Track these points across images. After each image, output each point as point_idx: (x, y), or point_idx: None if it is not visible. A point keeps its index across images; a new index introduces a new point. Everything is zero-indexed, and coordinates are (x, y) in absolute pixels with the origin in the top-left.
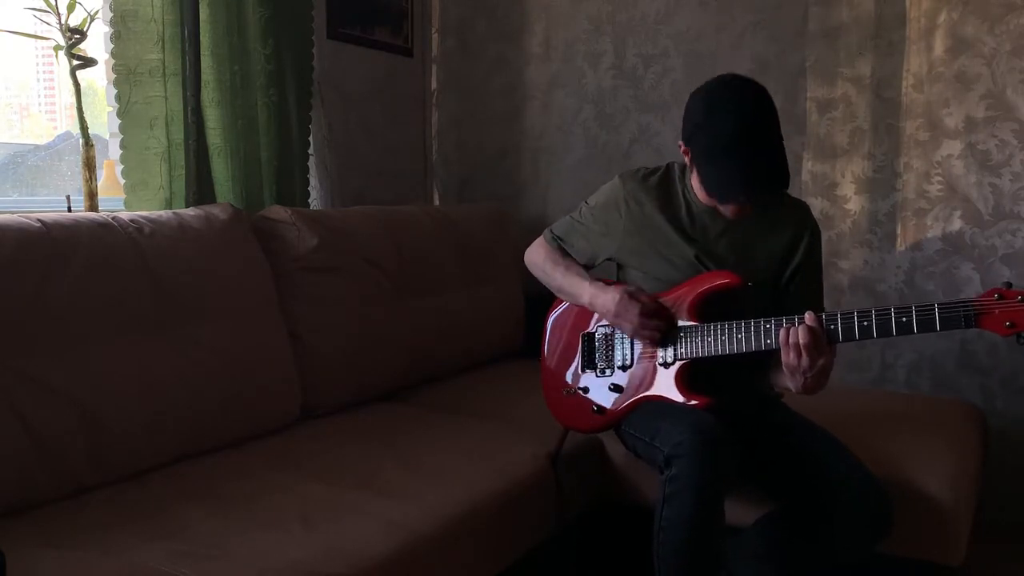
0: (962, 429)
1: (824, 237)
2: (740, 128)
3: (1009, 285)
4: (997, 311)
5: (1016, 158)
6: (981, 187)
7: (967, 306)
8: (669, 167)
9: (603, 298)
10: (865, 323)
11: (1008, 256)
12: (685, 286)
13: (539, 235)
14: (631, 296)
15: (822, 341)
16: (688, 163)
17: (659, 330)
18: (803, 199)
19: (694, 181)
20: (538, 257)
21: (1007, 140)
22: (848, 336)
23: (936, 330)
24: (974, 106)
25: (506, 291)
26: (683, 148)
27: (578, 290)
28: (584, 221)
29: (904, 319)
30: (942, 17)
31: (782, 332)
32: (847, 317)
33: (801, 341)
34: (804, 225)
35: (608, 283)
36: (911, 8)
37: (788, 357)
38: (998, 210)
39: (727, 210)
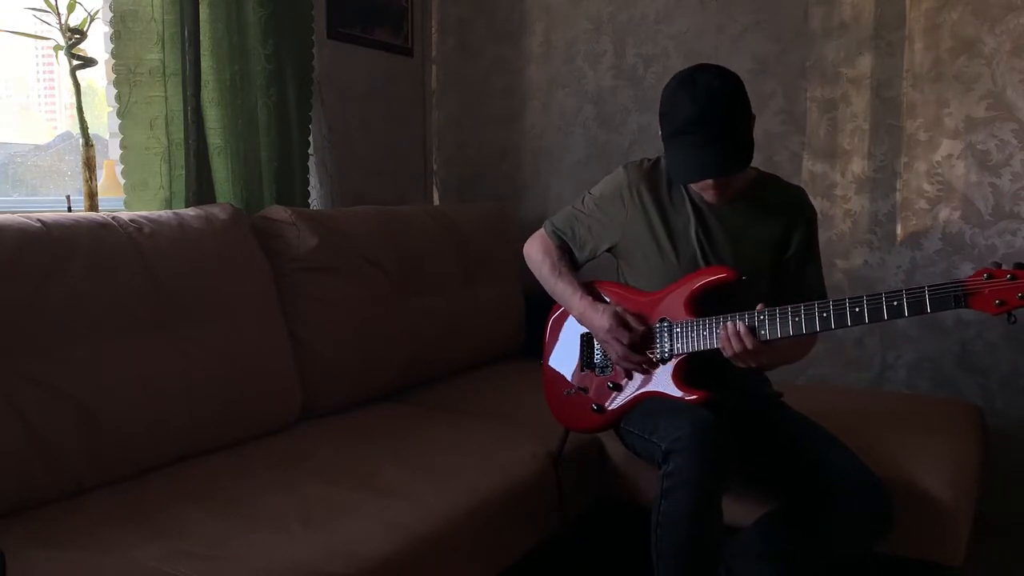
0: (962, 429)
1: (824, 237)
2: (697, 111)
3: (998, 265)
4: (987, 290)
5: (1016, 158)
6: (981, 187)
7: (956, 287)
8: None
9: (593, 319)
10: (857, 309)
11: (1008, 256)
12: (682, 283)
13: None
14: (619, 324)
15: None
16: None
17: (641, 363)
18: None
19: None
20: (536, 253)
21: (1007, 140)
22: (840, 323)
23: (927, 312)
24: (974, 106)
25: (506, 291)
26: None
27: (570, 302)
28: (587, 211)
29: (895, 303)
30: (942, 17)
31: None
32: (838, 303)
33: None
34: (799, 212)
35: (601, 299)
36: (911, 8)
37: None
38: (998, 210)
39: (705, 193)
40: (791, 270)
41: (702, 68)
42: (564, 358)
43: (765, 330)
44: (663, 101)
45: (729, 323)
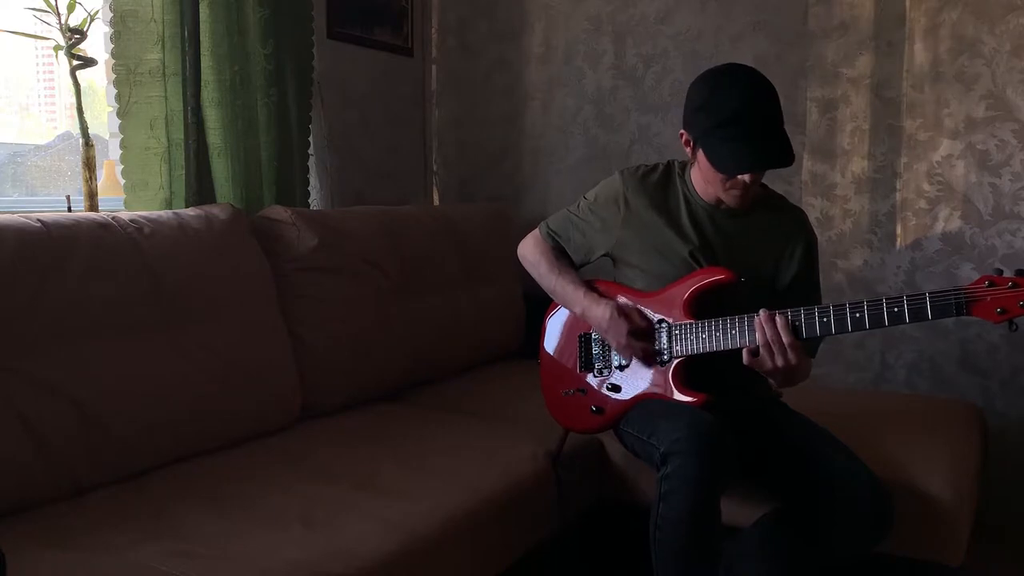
0: (962, 429)
1: (824, 237)
2: (746, 101)
3: (1000, 272)
4: (988, 298)
5: (1016, 158)
6: (981, 187)
7: (958, 294)
8: (669, 164)
9: (595, 311)
10: (857, 315)
11: (1008, 256)
12: (680, 283)
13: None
14: (621, 312)
15: (788, 339)
16: (689, 151)
17: (645, 351)
18: (803, 199)
19: (694, 175)
20: (531, 254)
21: (1007, 140)
22: (841, 328)
23: (928, 319)
24: (974, 106)
25: (506, 291)
26: (684, 137)
27: (572, 298)
28: (582, 216)
29: (896, 309)
30: (942, 17)
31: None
32: (839, 308)
33: (769, 337)
34: (799, 232)
35: (602, 295)
36: (911, 8)
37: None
38: (998, 210)
39: (730, 197)
40: (790, 292)
41: (733, 64)
42: (562, 359)
43: None
44: (696, 95)
45: (764, 311)
